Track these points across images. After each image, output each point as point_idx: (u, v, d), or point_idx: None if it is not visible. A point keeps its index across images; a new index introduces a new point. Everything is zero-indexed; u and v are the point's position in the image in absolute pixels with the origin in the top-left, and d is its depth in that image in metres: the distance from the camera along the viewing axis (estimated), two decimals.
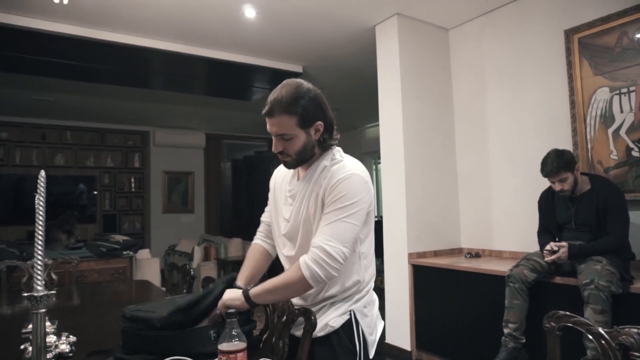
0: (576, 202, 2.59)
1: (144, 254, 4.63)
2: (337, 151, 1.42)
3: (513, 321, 2.53)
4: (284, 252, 1.46)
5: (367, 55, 4.28)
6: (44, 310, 0.96)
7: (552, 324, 1.19)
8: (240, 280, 1.50)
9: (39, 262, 0.96)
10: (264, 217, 1.66)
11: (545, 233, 2.74)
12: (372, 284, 1.45)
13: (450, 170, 3.92)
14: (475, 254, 3.59)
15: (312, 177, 1.37)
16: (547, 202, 2.76)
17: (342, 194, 1.28)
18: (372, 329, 1.40)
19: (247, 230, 8.21)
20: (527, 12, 3.42)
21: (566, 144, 3.04)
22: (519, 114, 3.47)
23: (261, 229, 1.65)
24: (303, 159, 1.37)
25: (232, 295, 1.32)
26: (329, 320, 1.35)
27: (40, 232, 0.98)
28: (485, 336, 2.93)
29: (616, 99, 2.89)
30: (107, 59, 4.38)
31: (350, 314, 1.36)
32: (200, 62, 4.50)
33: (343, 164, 1.36)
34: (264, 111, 1.32)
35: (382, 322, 1.49)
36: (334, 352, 1.35)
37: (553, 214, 2.72)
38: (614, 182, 2.70)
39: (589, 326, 1.12)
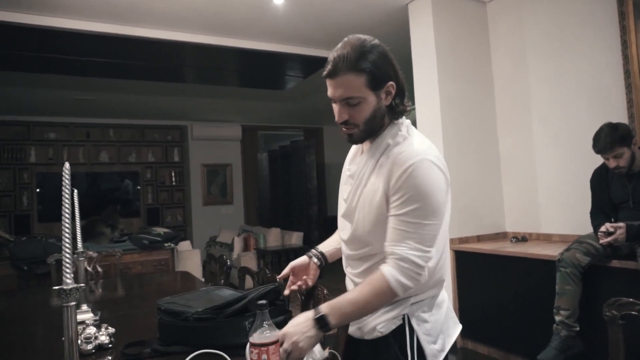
0: (634, 178, 2.39)
1: (185, 245, 4.73)
2: (404, 126, 1.19)
3: (565, 308, 2.38)
4: (342, 235, 1.31)
5: (400, 35, 4.12)
6: (74, 303, 0.95)
7: (614, 312, 1.08)
8: (324, 246, 1.46)
9: (68, 255, 0.95)
10: None
11: (599, 213, 2.55)
12: (437, 289, 1.22)
13: (492, 151, 3.74)
14: (522, 238, 3.42)
15: (374, 156, 1.17)
16: (601, 180, 2.57)
17: (414, 190, 1.07)
18: (434, 337, 1.19)
19: (285, 220, 8.29)
20: None
21: (621, 117, 2.81)
22: (564, 88, 3.25)
23: None
24: (372, 130, 1.16)
25: (299, 333, 1.05)
26: (378, 324, 1.17)
27: (67, 225, 0.97)
28: (535, 324, 2.79)
29: None
30: (142, 55, 4.45)
31: (404, 319, 1.16)
32: (233, 53, 4.49)
33: (409, 144, 1.13)
34: (325, 72, 1.12)
35: (458, 326, 1.29)
36: (374, 349, 1.18)
37: (607, 193, 2.53)
38: None
39: None
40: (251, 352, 0.99)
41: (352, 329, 1.24)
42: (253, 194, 8.69)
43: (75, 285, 0.93)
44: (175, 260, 4.19)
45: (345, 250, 1.31)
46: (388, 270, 1.08)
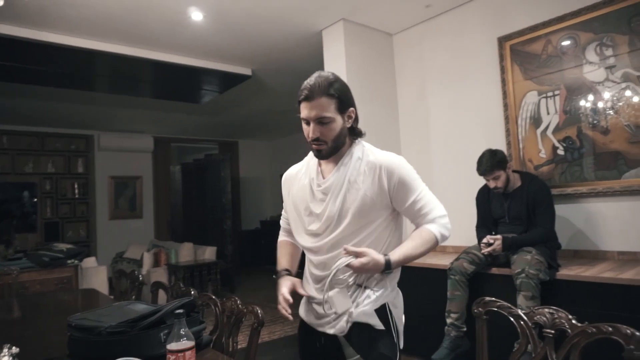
0: (509, 197, 2.79)
1: (90, 262, 4.48)
2: (364, 144, 1.45)
3: (455, 311, 2.69)
4: (315, 243, 1.40)
5: (315, 59, 4.36)
6: None
7: (480, 309, 1.31)
8: (285, 264, 1.52)
9: None
10: (283, 224, 1.63)
11: (483, 227, 2.92)
12: (399, 274, 1.46)
13: None
14: None
15: (348, 168, 1.37)
16: (484, 199, 2.95)
17: (410, 178, 1.38)
18: (400, 320, 1.44)
19: (199, 234, 8.11)
20: (465, 20, 3.63)
21: (501, 144, 3.26)
22: (459, 116, 3.67)
23: (282, 232, 1.64)
24: (337, 147, 1.37)
25: (372, 264, 1.27)
26: (365, 308, 1.35)
27: None
28: (432, 327, 3.07)
29: (543, 101, 3.13)
30: (50, 61, 4.20)
31: (386, 305, 1.38)
32: (147, 65, 4.41)
33: (380, 154, 1.41)
34: (301, 97, 1.32)
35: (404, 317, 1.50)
36: (372, 336, 1.34)
37: (489, 210, 2.91)
38: (542, 178, 2.94)
39: (510, 309, 1.24)
40: (168, 359, 1.06)
41: (339, 328, 1.35)
42: (165, 207, 8.41)
43: None
44: (79, 277, 3.96)
45: (319, 258, 1.39)
46: (433, 227, 1.37)
